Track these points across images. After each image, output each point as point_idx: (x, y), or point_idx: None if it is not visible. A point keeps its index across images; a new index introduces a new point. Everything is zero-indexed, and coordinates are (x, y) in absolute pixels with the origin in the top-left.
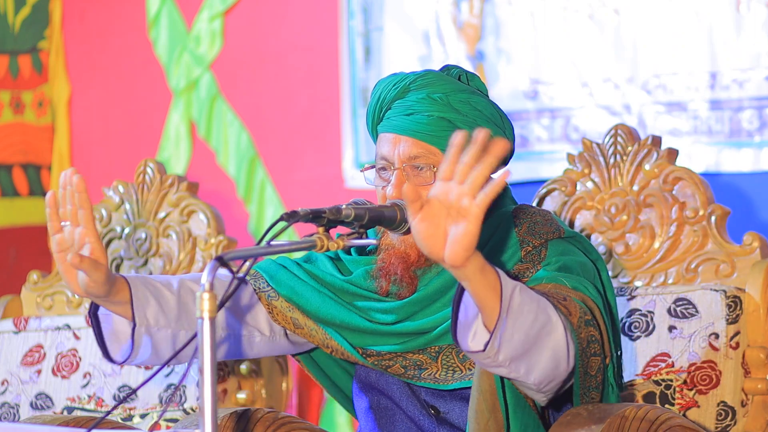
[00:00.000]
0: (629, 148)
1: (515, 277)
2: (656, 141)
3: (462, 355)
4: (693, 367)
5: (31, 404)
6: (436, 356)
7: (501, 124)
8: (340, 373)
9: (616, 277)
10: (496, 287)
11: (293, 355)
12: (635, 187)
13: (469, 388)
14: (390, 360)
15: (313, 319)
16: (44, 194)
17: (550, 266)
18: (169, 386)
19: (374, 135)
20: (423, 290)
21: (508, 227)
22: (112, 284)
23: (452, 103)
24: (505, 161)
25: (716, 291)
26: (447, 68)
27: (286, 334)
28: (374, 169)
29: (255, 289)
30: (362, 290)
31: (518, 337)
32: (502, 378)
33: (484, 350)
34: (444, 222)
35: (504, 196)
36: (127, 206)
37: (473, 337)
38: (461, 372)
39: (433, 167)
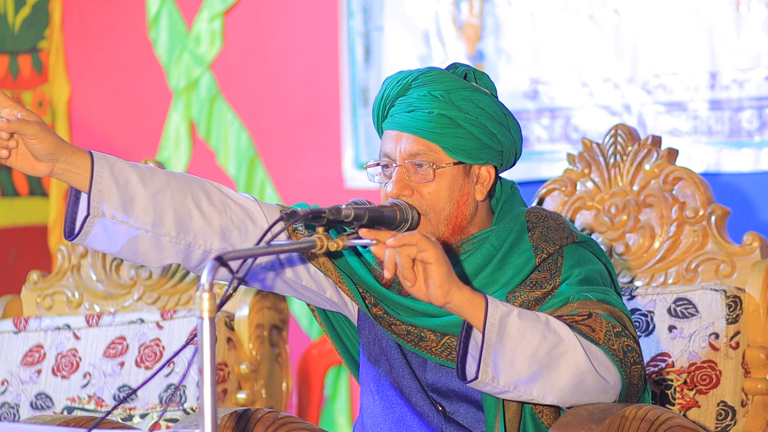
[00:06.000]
0: (629, 148)
1: (533, 286)
2: (656, 141)
3: None
4: (693, 367)
5: (31, 404)
6: (441, 336)
7: (505, 122)
8: (354, 338)
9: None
10: (483, 317)
11: (312, 310)
12: (635, 187)
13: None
14: (397, 320)
15: (333, 260)
16: (44, 194)
17: (571, 280)
18: (169, 386)
19: (380, 132)
20: None
21: (521, 232)
22: (70, 152)
23: (454, 101)
24: (512, 162)
25: (716, 291)
26: (453, 66)
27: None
28: (379, 165)
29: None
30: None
31: (521, 361)
32: (522, 409)
33: (477, 378)
34: (420, 273)
35: (513, 197)
36: None
37: (469, 366)
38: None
39: (434, 164)
